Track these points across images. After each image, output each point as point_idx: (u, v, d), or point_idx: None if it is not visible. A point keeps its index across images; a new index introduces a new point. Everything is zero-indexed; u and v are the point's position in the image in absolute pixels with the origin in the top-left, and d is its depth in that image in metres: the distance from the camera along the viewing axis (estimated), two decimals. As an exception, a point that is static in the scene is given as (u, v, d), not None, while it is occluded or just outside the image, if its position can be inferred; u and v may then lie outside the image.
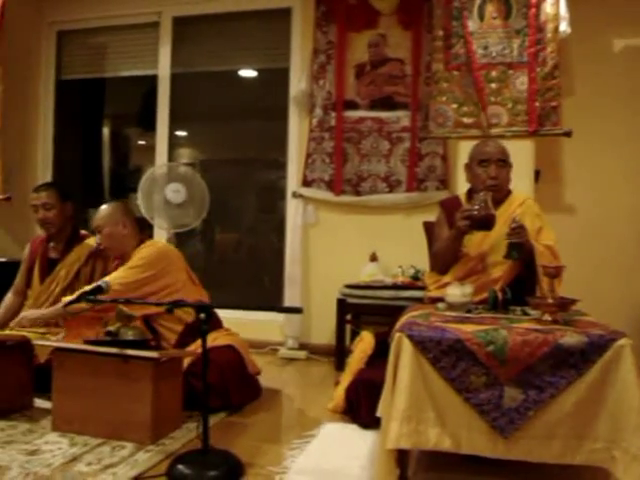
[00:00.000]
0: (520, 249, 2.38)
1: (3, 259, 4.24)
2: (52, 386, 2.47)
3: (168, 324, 2.95)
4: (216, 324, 3.11)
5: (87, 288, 2.67)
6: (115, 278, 2.80)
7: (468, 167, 2.76)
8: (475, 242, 2.60)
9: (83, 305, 2.69)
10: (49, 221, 3.17)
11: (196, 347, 2.82)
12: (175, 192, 3.91)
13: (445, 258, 2.65)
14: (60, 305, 2.84)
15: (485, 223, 2.41)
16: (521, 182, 3.08)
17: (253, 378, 3.09)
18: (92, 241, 3.22)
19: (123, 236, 2.99)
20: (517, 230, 2.38)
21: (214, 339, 2.92)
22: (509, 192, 2.75)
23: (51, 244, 3.24)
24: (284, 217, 4.51)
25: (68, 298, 2.76)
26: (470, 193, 2.75)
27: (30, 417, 2.60)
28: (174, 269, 2.96)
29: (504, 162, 2.68)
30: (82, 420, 2.39)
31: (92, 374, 2.39)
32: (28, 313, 3.00)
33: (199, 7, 4.65)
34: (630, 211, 3.86)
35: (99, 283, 2.65)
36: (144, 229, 3.49)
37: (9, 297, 3.25)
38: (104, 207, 3.07)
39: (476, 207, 2.40)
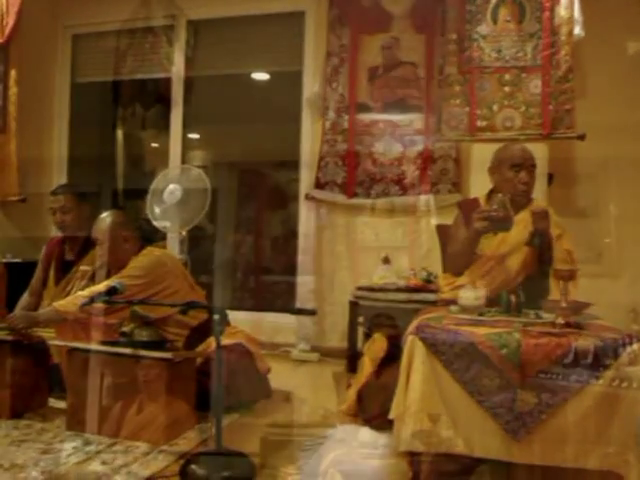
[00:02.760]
0: (542, 237, 2.40)
1: (18, 260, 4.28)
2: (66, 386, 2.50)
3: (174, 329, 2.90)
4: (222, 323, 3.11)
5: (100, 288, 2.65)
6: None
7: (496, 169, 2.68)
8: (493, 245, 2.57)
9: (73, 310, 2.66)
10: (66, 224, 3.19)
11: (205, 347, 2.84)
12: (171, 193, 3.91)
13: (461, 259, 2.62)
14: (49, 308, 2.79)
15: (503, 224, 2.40)
16: (534, 185, 3.06)
17: (263, 375, 3.09)
18: None
19: (124, 251, 2.93)
20: (541, 214, 2.40)
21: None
22: (531, 199, 2.74)
23: (66, 246, 3.26)
24: (297, 219, 4.53)
25: (61, 302, 2.74)
26: (491, 195, 2.73)
27: (45, 416, 2.62)
28: (171, 277, 2.91)
29: (534, 168, 2.64)
30: (96, 420, 2.40)
31: (106, 374, 2.41)
32: (19, 314, 2.90)
33: (213, 11, 4.68)
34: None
35: (113, 284, 2.60)
36: (149, 236, 3.42)
37: (25, 297, 3.26)
38: (103, 218, 2.97)
39: (494, 208, 2.40)
